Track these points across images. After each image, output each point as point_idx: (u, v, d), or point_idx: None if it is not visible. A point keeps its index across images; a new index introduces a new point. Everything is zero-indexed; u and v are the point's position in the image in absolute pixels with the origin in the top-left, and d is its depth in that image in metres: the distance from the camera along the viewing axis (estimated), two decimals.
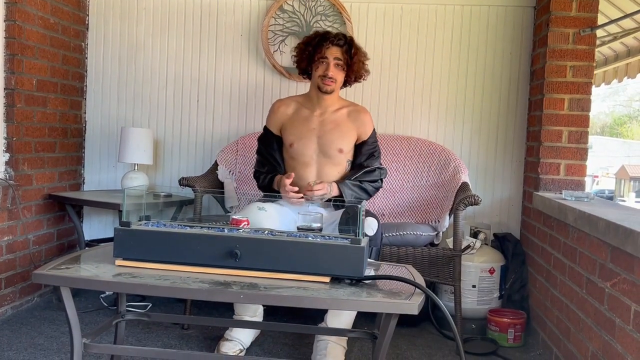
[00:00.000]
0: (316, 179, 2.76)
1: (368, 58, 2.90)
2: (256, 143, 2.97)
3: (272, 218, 2.55)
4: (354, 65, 2.81)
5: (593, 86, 3.27)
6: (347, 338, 2.65)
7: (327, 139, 2.79)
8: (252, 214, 2.50)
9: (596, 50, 3.29)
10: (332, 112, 2.83)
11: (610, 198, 18.70)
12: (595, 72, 3.45)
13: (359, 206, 1.86)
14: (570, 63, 3.18)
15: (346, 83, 2.87)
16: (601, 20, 3.34)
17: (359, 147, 2.86)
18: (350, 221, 2.46)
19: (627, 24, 4.07)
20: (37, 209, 3.35)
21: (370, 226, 2.52)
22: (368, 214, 2.64)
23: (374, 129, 2.90)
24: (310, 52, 2.80)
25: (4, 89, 3.11)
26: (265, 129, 2.92)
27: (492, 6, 3.58)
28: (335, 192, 2.74)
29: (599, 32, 3.36)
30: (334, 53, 2.76)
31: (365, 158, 2.85)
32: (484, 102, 3.63)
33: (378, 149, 2.90)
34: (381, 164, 2.91)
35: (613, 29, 4.23)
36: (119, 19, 3.80)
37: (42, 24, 3.30)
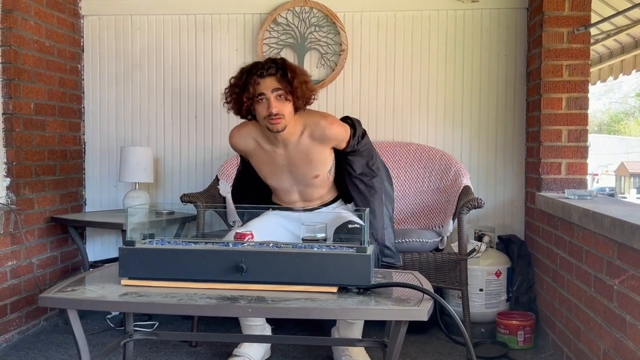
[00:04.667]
0: (301, 200, 2.67)
1: (309, 76, 2.55)
2: None
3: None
4: (297, 90, 2.42)
5: (589, 84, 3.27)
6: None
7: (299, 173, 2.58)
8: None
9: (591, 48, 3.29)
10: (295, 143, 2.52)
11: (612, 195, 18.68)
12: (590, 70, 3.45)
13: (363, 213, 1.85)
14: (566, 62, 3.19)
15: (297, 109, 2.49)
16: (594, 18, 3.35)
17: (339, 147, 2.58)
18: (346, 231, 2.43)
19: (620, 21, 4.08)
20: (39, 233, 3.34)
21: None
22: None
23: (342, 128, 2.55)
24: (238, 94, 2.45)
25: (2, 114, 3.12)
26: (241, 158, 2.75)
27: (485, 9, 3.60)
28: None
29: (593, 31, 3.37)
30: (269, 85, 2.40)
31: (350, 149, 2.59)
32: (481, 105, 3.63)
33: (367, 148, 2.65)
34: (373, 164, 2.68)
35: (606, 26, 4.24)
36: (114, 39, 3.81)
37: (37, 48, 3.31)
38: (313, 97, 2.53)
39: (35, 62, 3.29)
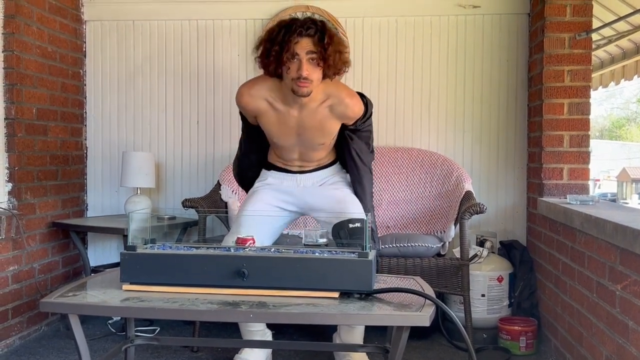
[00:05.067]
0: (299, 160, 2.59)
1: (347, 47, 2.49)
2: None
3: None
4: (329, 58, 2.31)
5: (591, 89, 3.27)
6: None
7: (307, 137, 2.50)
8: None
9: (592, 53, 3.29)
10: (312, 109, 2.42)
11: (613, 201, 18.65)
12: (592, 75, 3.45)
13: (365, 219, 1.85)
14: (568, 67, 3.19)
15: (325, 77, 2.39)
16: (596, 24, 3.35)
17: (348, 124, 2.54)
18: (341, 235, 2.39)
19: (622, 26, 4.08)
20: (41, 238, 3.34)
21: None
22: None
23: (361, 108, 2.50)
24: (277, 52, 2.30)
25: (5, 119, 3.12)
26: (241, 114, 2.62)
27: (487, 15, 3.60)
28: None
29: (594, 36, 3.37)
30: (304, 46, 2.28)
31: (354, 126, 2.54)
32: (483, 111, 3.63)
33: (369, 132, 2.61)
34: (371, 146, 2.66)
35: (608, 32, 4.24)
36: (116, 45, 3.82)
37: (40, 53, 3.32)
38: (345, 69, 2.42)
39: (37, 67, 3.30)
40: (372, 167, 2.73)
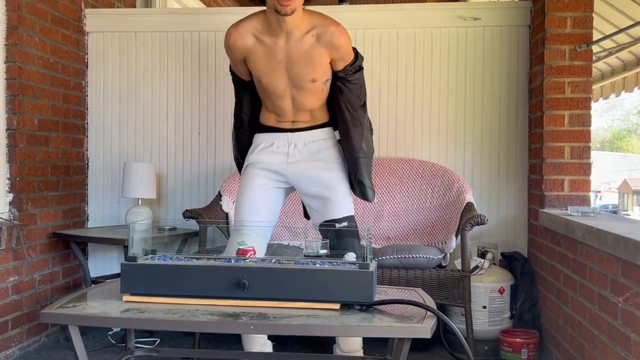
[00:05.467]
0: (292, 109, 2.50)
1: None
2: None
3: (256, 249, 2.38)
4: None
5: (592, 101, 3.28)
6: None
7: (296, 71, 2.41)
8: (234, 250, 2.34)
9: (592, 65, 3.31)
10: (298, 38, 2.37)
11: (615, 212, 18.64)
12: (592, 87, 3.46)
13: (366, 232, 1.85)
14: (568, 79, 3.19)
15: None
16: (596, 36, 3.37)
17: (335, 65, 2.47)
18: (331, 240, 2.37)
19: (622, 38, 4.10)
20: (42, 248, 3.34)
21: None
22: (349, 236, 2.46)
23: (350, 44, 2.46)
24: None
25: (6, 129, 3.13)
26: (231, 71, 2.59)
27: (487, 27, 3.62)
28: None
29: (595, 48, 3.38)
30: None
31: (344, 73, 2.47)
32: (484, 122, 3.64)
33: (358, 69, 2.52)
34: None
35: (608, 44, 4.26)
36: (118, 56, 3.84)
37: (42, 64, 3.33)
38: None
39: (39, 78, 3.31)
40: (368, 124, 2.59)
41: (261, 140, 2.59)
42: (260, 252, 2.48)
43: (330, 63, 2.46)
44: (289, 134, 2.54)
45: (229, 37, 2.44)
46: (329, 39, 2.37)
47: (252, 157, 2.59)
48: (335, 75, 2.49)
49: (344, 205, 2.52)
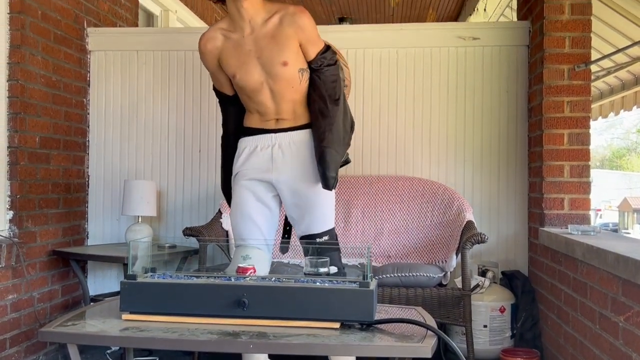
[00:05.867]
0: (272, 102, 2.46)
1: None
2: None
3: (259, 263, 2.40)
4: None
5: (591, 120, 3.30)
6: None
7: (266, 56, 2.41)
8: (238, 263, 2.35)
9: (591, 85, 3.33)
10: (262, 24, 2.42)
11: (615, 231, 18.62)
12: (591, 106, 3.48)
13: (367, 250, 1.85)
14: (567, 98, 3.21)
15: None
16: (594, 55, 3.39)
17: (306, 52, 2.46)
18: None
19: (620, 58, 4.13)
20: (41, 266, 3.33)
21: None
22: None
23: (315, 27, 2.47)
24: None
25: (8, 147, 3.14)
26: (215, 91, 2.61)
27: (487, 46, 3.64)
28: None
29: (593, 67, 3.41)
30: None
31: (317, 63, 2.46)
32: (483, 140, 3.65)
33: (328, 49, 2.51)
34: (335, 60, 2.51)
35: (606, 63, 4.29)
36: (120, 74, 3.86)
37: (44, 82, 3.35)
38: None
39: (41, 96, 3.33)
40: (342, 118, 2.53)
41: (245, 144, 2.55)
42: (266, 264, 2.48)
43: (302, 51, 2.45)
44: (273, 134, 2.50)
45: (199, 43, 2.50)
46: (291, 19, 2.40)
47: (238, 165, 2.55)
48: (310, 68, 2.48)
49: (326, 217, 2.49)
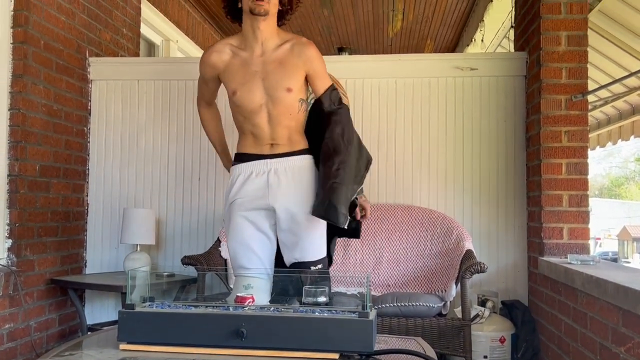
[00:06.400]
0: (268, 125, 2.46)
1: None
2: None
3: (260, 293, 2.39)
4: None
5: (589, 149, 3.31)
6: None
7: (272, 79, 2.43)
8: (239, 292, 2.29)
9: (589, 114, 3.35)
10: (273, 49, 2.46)
11: (615, 260, 18.55)
12: (589, 135, 3.50)
13: (366, 279, 1.84)
14: (565, 128, 3.24)
15: (281, 16, 2.52)
16: (591, 85, 3.43)
17: (314, 85, 2.51)
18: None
19: (617, 88, 4.17)
20: (38, 295, 3.32)
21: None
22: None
23: (324, 63, 2.53)
24: None
25: (8, 175, 3.15)
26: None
27: (484, 77, 3.68)
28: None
29: (591, 97, 3.44)
30: None
31: (327, 100, 2.49)
32: (482, 169, 3.67)
33: (334, 86, 2.56)
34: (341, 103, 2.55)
35: (603, 93, 4.33)
36: (121, 103, 3.89)
37: (45, 111, 3.38)
38: (298, 4, 2.57)
39: (42, 125, 3.35)
40: (355, 155, 2.51)
41: (239, 170, 2.52)
42: (267, 293, 2.44)
43: (309, 84, 2.50)
44: (268, 160, 2.48)
45: (205, 52, 2.53)
46: (301, 49, 2.45)
47: (233, 192, 2.51)
48: (320, 109, 2.50)
49: (320, 245, 2.48)
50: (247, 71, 2.46)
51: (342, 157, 2.43)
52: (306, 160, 2.51)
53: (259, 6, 2.37)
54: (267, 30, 2.44)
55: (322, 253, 2.48)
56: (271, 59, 2.45)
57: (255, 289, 2.39)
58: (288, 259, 2.50)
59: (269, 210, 2.48)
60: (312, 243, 2.47)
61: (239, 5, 2.47)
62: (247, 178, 2.49)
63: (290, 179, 2.47)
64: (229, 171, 2.69)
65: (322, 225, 2.49)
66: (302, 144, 2.52)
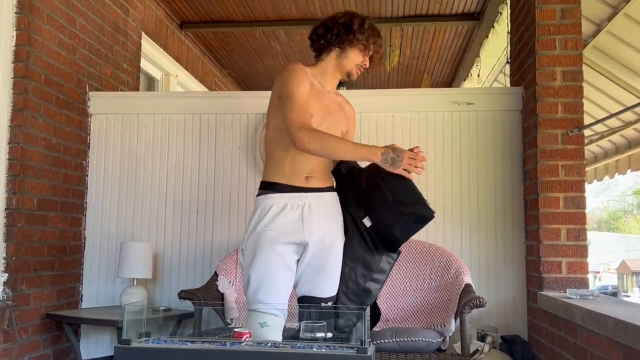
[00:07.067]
0: (310, 158, 2.45)
1: None
2: None
3: (275, 331, 2.37)
4: (367, 69, 2.75)
5: (586, 183, 3.33)
6: None
7: (334, 118, 2.59)
8: (254, 330, 2.27)
9: (585, 148, 3.38)
10: (335, 94, 2.69)
11: (614, 294, 18.42)
12: (586, 169, 3.52)
13: (364, 314, 1.83)
14: (562, 162, 3.25)
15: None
16: (587, 120, 3.46)
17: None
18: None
19: (613, 122, 4.21)
20: (33, 330, 3.28)
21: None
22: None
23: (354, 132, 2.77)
24: (364, 43, 2.58)
25: (5, 209, 3.15)
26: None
27: (481, 111, 3.71)
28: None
29: (587, 131, 3.47)
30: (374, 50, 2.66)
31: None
32: (480, 203, 3.67)
33: None
34: None
35: (600, 127, 4.37)
36: (120, 137, 3.91)
37: (44, 145, 3.39)
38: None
39: (41, 158, 3.36)
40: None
41: (272, 201, 2.45)
42: (280, 331, 2.39)
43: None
44: (304, 193, 2.46)
45: (297, 66, 2.53)
46: (349, 107, 2.73)
47: (264, 223, 2.43)
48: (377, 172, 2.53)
49: (334, 284, 2.48)
50: (321, 102, 2.56)
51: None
52: (336, 198, 2.58)
53: (357, 74, 2.65)
54: (338, 78, 2.68)
55: (334, 291, 2.48)
56: (335, 101, 2.66)
57: (271, 327, 2.34)
58: (298, 292, 2.49)
59: (301, 245, 2.44)
60: (329, 279, 2.45)
61: (331, 46, 2.60)
62: (282, 210, 2.43)
63: (323, 214, 2.48)
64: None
65: (339, 264, 2.50)
66: (332, 181, 2.61)
